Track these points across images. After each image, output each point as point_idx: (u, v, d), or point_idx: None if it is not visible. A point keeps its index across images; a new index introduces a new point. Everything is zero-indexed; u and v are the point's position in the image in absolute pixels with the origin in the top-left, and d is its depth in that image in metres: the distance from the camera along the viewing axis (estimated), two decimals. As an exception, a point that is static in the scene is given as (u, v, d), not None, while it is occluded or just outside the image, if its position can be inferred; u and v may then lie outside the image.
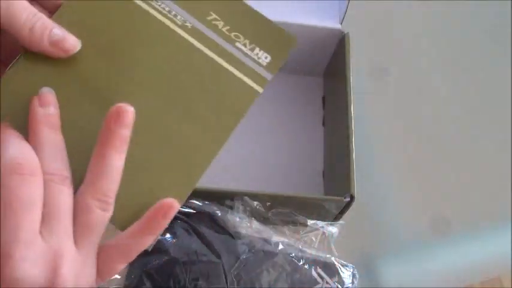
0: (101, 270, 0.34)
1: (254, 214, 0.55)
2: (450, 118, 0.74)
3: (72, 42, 0.36)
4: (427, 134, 0.73)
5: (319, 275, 0.55)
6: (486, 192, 0.70)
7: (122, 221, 0.35)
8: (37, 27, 0.34)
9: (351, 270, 0.56)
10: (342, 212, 0.58)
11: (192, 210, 0.53)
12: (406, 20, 0.80)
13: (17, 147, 0.32)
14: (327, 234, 0.59)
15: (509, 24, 0.80)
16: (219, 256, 0.51)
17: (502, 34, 0.80)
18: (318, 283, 0.55)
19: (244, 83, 0.41)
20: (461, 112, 0.75)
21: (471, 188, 0.70)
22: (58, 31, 0.35)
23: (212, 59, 0.40)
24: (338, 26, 0.64)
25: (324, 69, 0.70)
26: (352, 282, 0.56)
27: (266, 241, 0.55)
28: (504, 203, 0.70)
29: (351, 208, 0.57)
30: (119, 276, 0.49)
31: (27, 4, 0.34)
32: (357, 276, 0.56)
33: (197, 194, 0.53)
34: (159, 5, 0.39)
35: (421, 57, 0.78)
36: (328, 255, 0.56)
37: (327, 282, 0.55)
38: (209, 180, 0.64)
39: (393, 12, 0.79)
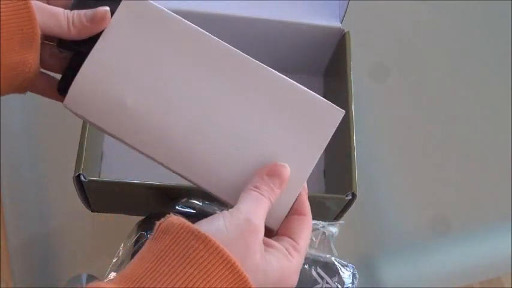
0: None
1: (255, 213, 0.54)
2: (450, 118, 0.74)
3: (102, 11, 0.40)
4: (427, 133, 0.73)
5: (319, 275, 0.55)
6: (486, 192, 0.70)
7: None
8: (75, 21, 0.39)
9: (351, 270, 0.56)
10: (343, 211, 0.58)
11: (192, 210, 0.52)
12: (406, 19, 0.80)
13: None
14: (327, 234, 0.59)
15: (510, 24, 0.80)
16: (219, 256, 0.51)
17: (502, 34, 0.80)
18: (318, 283, 0.54)
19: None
20: (461, 112, 0.75)
21: (471, 188, 0.70)
22: (88, 12, 0.40)
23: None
24: (338, 24, 0.64)
25: (324, 68, 0.70)
26: (352, 282, 0.56)
27: (266, 241, 0.54)
28: (504, 203, 0.70)
29: (351, 208, 0.57)
30: (118, 276, 0.49)
31: (61, 8, 0.40)
32: (357, 276, 0.56)
33: (197, 194, 0.53)
34: None
35: (422, 57, 0.78)
36: (328, 255, 0.56)
37: (327, 282, 0.54)
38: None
39: (393, 11, 0.79)
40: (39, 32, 0.38)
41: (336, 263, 0.55)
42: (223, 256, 0.33)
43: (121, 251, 0.52)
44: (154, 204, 0.55)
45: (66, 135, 0.60)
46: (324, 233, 0.59)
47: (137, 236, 0.51)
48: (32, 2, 0.37)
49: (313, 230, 0.59)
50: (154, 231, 0.35)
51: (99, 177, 0.62)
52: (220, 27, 0.64)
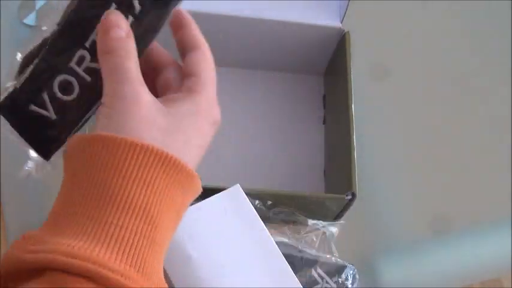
0: None
1: (255, 213, 0.55)
2: (450, 118, 0.74)
3: None
4: (427, 133, 0.73)
5: (319, 275, 0.55)
6: (486, 192, 0.70)
7: None
8: None
9: (351, 270, 0.56)
10: (343, 211, 0.58)
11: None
12: (406, 19, 0.80)
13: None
14: (327, 234, 0.59)
15: (510, 24, 0.80)
16: (219, 257, 0.51)
17: (502, 34, 0.80)
18: (318, 283, 0.54)
19: None
20: (461, 111, 0.75)
21: (471, 188, 0.70)
22: None
23: None
24: (338, 24, 0.64)
25: (324, 68, 0.70)
26: (352, 283, 0.56)
27: (266, 241, 0.54)
28: (504, 203, 0.69)
29: (351, 208, 0.57)
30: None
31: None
32: (357, 276, 0.56)
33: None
34: None
35: (422, 57, 0.77)
36: (328, 255, 0.56)
37: (327, 282, 0.54)
38: (210, 178, 0.64)
39: (394, 11, 0.79)
40: None
41: (336, 263, 0.55)
42: (122, 142, 0.31)
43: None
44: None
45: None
46: (324, 233, 0.59)
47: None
48: None
49: (313, 230, 0.59)
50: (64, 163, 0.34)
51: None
52: (221, 27, 0.64)
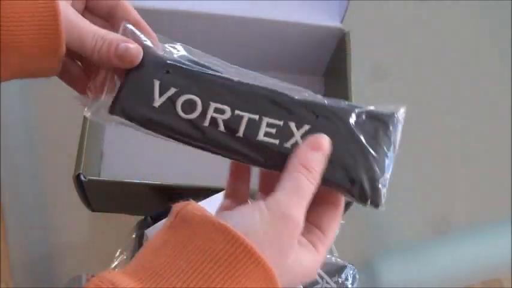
0: None
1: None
2: (450, 118, 0.74)
3: (135, 50, 0.37)
4: (427, 133, 0.73)
5: (319, 275, 0.55)
6: (486, 193, 0.70)
7: None
8: (103, 50, 0.37)
9: (351, 270, 0.56)
10: (343, 210, 0.57)
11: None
12: (406, 19, 0.80)
13: None
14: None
15: (510, 24, 0.80)
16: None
17: (502, 34, 0.80)
18: (318, 283, 0.54)
19: None
20: (461, 111, 0.75)
21: (471, 188, 0.70)
22: (121, 46, 0.37)
23: None
24: (338, 24, 0.64)
25: (324, 69, 0.70)
26: (352, 283, 0.56)
27: (266, 241, 0.54)
28: (504, 203, 0.70)
29: (351, 208, 0.57)
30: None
31: (94, 29, 0.37)
32: (357, 276, 0.56)
33: (198, 193, 0.53)
34: None
35: (422, 57, 0.77)
36: (328, 255, 0.56)
37: (327, 282, 0.54)
38: (210, 178, 0.64)
39: (393, 11, 0.79)
40: (63, 50, 0.36)
41: (336, 263, 0.55)
42: (250, 252, 0.32)
43: (119, 251, 0.52)
44: (153, 203, 0.55)
45: (66, 135, 0.60)
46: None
47: (136, 236, 0.51)
48: (62, 19, 0.35)
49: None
50: (171, 217, 0.34)
51: (99, 176, 0.62)
52: (221, 27, 0.64)
